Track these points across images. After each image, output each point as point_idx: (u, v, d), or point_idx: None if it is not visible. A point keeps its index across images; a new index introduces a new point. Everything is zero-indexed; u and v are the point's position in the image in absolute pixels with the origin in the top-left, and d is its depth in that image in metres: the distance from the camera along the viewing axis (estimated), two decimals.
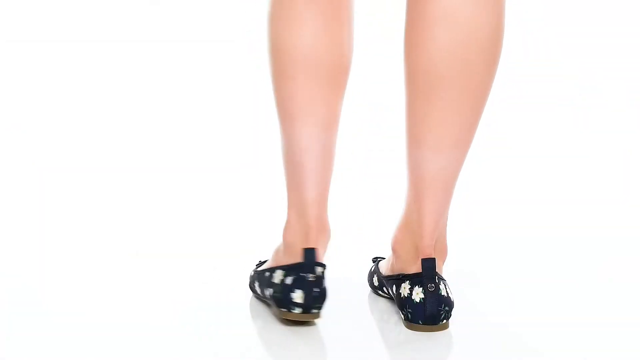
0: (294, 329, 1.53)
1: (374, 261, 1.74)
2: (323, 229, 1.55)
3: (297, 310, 1.49)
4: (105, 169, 2.60)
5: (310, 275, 1.49)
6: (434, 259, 1.52)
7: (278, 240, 1.61)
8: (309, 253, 1.51)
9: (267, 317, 1.59)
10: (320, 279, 1.49)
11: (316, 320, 1.54)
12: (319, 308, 1.50)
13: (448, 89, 1.48)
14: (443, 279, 1.53)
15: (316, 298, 1.49)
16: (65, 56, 2.88)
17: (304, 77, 1.49)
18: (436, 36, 1.47)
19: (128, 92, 2.88)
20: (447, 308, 1.51)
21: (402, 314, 1.54)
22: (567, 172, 2.61)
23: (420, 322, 1.51)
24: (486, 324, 1.59)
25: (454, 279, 1.66)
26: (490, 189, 2.49)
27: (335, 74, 1.50)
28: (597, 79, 2.90)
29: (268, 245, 1.67)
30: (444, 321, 1.52)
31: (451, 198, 1.56)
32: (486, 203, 2.38)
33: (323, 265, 1.51)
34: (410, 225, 1.57)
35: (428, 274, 1.51)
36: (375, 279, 1.69)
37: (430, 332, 1.51)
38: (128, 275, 1.85)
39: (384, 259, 1.71)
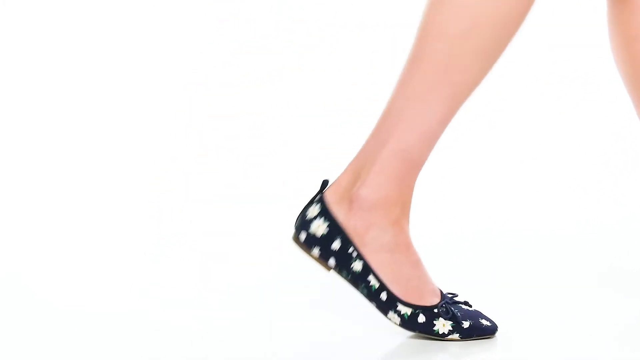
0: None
1: None
2: None
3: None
4: (106, 169, 2.61)
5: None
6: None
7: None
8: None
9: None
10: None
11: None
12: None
13: None
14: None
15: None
16: (65, 56, 2.88)
17: None
18: None
19: (128, 92, 2.88)
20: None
21: None
22: (565, 173, 2.62)
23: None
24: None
25: (448, 276, 1.66)
26: (486, 188, 2.50)
27: None
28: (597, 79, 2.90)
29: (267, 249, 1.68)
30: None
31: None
32: (481, 202, 2.39)
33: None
34: None
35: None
36: None
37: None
38: (128, 275, 1.86)
39: None
